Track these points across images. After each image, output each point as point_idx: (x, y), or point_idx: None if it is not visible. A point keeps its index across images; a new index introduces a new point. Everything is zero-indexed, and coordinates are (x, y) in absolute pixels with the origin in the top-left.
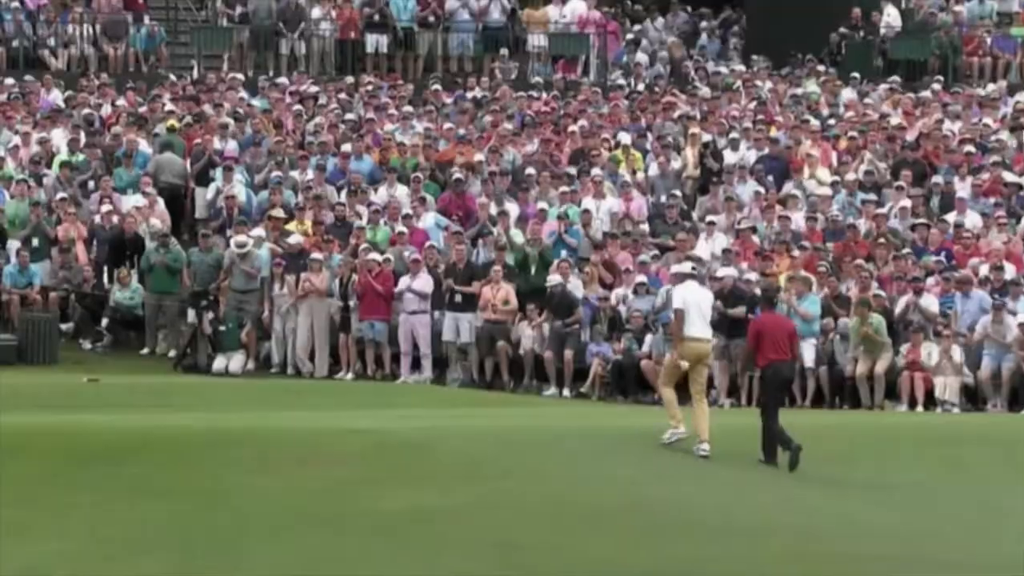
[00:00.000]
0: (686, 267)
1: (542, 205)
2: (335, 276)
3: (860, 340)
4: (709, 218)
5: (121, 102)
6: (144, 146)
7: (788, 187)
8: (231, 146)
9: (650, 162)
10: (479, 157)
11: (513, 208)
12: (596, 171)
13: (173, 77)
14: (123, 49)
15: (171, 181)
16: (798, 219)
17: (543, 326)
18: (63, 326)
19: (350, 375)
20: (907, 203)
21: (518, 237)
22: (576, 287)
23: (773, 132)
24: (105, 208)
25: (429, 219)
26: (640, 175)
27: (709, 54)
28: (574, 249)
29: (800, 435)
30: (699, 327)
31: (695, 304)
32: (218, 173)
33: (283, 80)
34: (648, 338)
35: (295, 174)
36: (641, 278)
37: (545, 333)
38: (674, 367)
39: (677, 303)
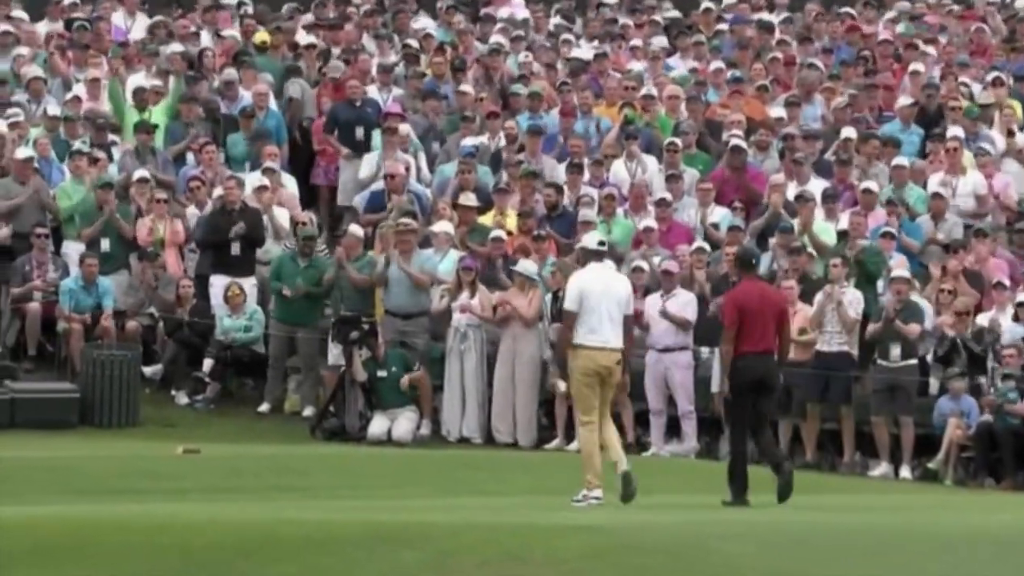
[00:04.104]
0: (591, 240)
1: (866, 185)
2: (548, 291)
3: None
4: None
5: (231, 32)
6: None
7: None
8: (395, 96)
9: None
10: (772, 113)
11: (820, 189)
12: (954, 132)
13: None
14: None
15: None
16: None
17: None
18: (147, 370)
19: (574, 444)
20: None
21: (827, 234)
22: (918, 311)
23: None
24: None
25: (693, 207)
26: (1021, 138)
27: None
28: (915, 253)
29: None
30: (603, 329)
31: (599, 297)
32: (376, 138)
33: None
34: None
35: (490, 139)
36: None
37: (871, 383)
38: (585, 388)
39: (570, 299)
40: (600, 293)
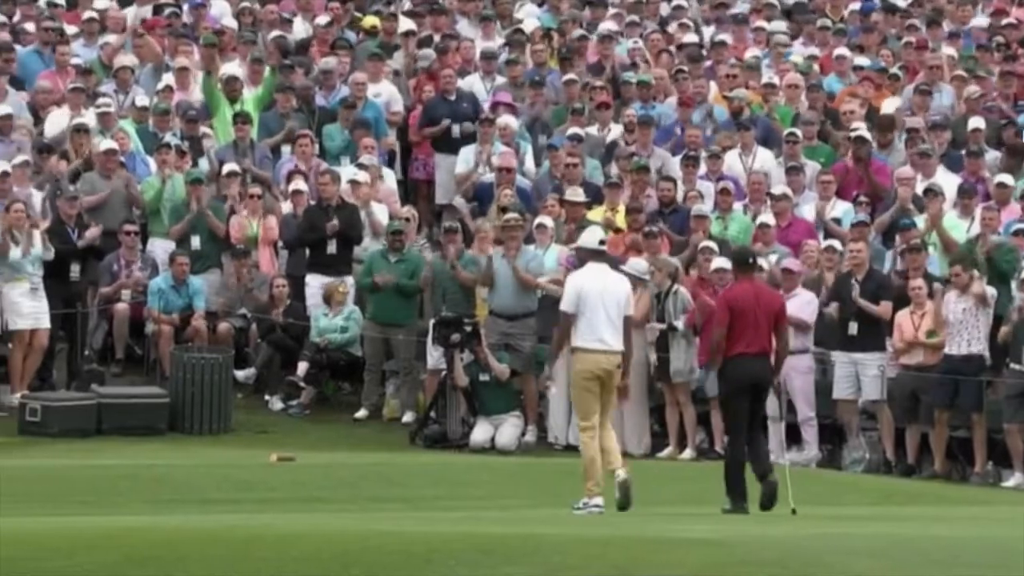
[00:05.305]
0: (592, 239)
1: (1000, 179)
2: (657, 291)
3: None
4: None
5: (324, 19)
6: (382, 87)
7: None
8: (499, 86)
9: None
10: (894, 103)
11: (950, 184)
12: None
13: None
14: None
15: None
16: None
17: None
18: (239, 374)
19: (687, 452)
20: None
21: (957, 230)
22: None
23: None
24: (297, 186)
25: (812, 202)
26: None
27: None
28: None
29: None
30: (602, 331)
31: (597, 297)
32: (477, 130)
33: None
34: None
35: (599, 130)
36: None
37: (1004, 388)
38: (585, 392)
39: (567, 300)
40: (599, 294)
